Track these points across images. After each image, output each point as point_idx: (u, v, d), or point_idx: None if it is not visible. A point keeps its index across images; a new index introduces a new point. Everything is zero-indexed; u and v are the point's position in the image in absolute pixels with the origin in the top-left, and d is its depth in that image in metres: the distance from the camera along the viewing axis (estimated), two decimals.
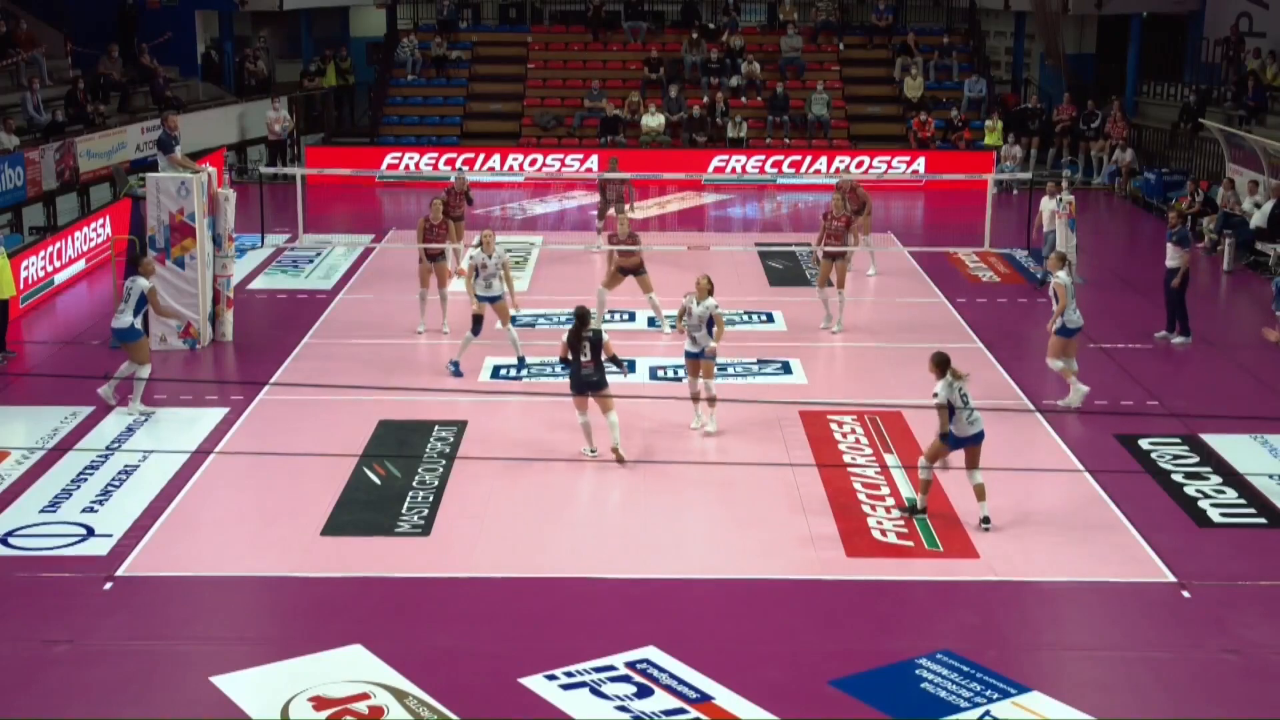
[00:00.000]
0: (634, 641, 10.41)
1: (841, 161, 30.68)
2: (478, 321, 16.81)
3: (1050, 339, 15.74)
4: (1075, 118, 32.28)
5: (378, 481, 13.59)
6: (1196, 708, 9.73)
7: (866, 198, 21.17)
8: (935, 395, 12.31)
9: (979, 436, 12.49)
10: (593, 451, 14.06)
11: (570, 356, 13.86)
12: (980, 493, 12.48)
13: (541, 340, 18.25)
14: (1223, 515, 13.00)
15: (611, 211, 22.07)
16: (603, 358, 13.83)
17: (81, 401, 15.59)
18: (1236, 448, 14.57)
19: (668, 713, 9.53)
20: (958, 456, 12.61)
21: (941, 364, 12.34)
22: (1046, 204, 21.22)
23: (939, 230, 26.67)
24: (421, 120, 33.64)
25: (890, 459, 14.26)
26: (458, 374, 16.69)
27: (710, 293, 14.67)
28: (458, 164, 30.60)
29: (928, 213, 28.94)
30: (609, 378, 14.02)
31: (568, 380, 14.16)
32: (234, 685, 9.80)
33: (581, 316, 13.94)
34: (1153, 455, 14.43)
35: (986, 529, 12.42)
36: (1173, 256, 18.30)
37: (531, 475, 13.61)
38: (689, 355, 14.89)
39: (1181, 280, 18.22)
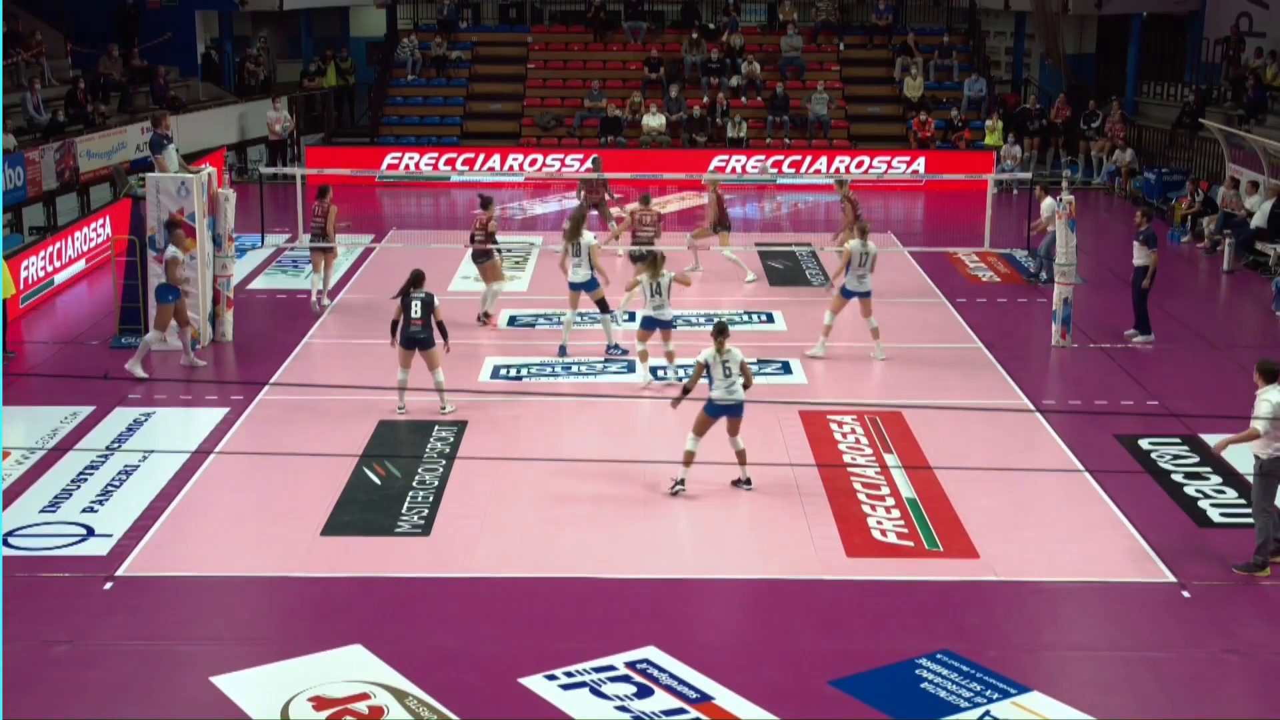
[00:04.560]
0: (634, 641, 10.42)
1: (841, 161, 30.68)
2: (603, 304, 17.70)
3: (833, 296, 17.77)
4: (1070, 118, 32.28)
5: (378, 481, 13.59)
6: (1196, 708, 9.74)
7: (715, 204, 21.68)
8: (700, 355, 13.18)
9: (739, 407, 13.16)
10: (401, 409, 15.24)
11: (401, 316, 15.06)
12: (742, 458, 13.28)
13: (542, 340, 18.30)
14: (1223, 515, 13.00)
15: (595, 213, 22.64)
16: (432, 320, 15.08)
17: (81, 401, 15.59)
18: (1236, 448, 14.52)
19: (668, 713, 9.53)
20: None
21: (719, 331, 13.13)
22: (1047, 204, 21.20)
23: (939, 230, 26.63)
24: (421, 120, 33.62)
25: (890, 459, 14.25)
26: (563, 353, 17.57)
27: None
28: (457, 163, 30.62)
29: (928, 213, 28.92)
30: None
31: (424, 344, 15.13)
32: (234, 685, 9.81)
33: (415, 279, 15.13)
34: (1153, 455, 14.43)
35: (749, 489, 13.25)
36: (1140, 256, 18.39)
37: (531, 475, 13.60)
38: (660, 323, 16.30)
39: (1150, 280, 18.32)
